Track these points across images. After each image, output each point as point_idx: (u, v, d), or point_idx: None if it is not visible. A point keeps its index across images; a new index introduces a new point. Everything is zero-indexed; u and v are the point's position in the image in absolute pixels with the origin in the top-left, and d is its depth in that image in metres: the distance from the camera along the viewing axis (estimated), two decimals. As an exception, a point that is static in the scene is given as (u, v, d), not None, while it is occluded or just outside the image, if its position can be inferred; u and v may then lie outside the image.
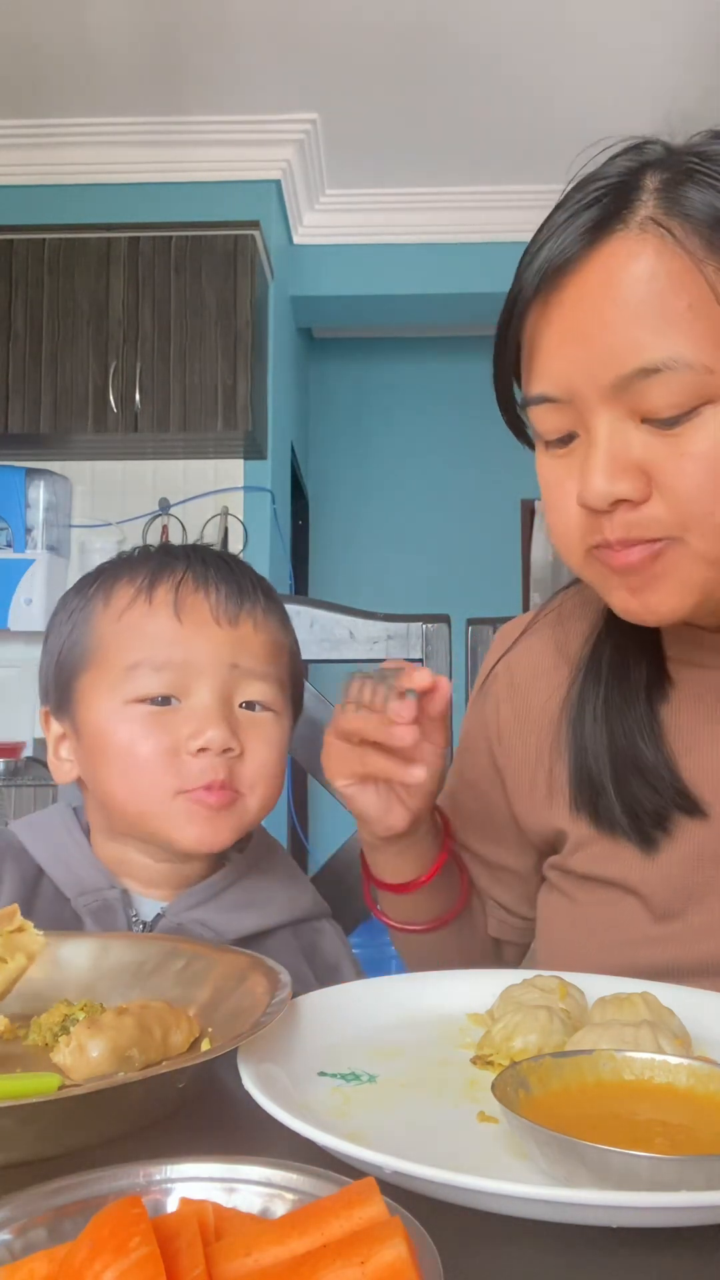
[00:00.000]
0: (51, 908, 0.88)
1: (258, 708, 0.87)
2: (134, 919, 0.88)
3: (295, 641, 0.96)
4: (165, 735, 0.83)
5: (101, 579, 0.90)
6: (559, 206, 0.74)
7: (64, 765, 0.91)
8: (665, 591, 0.74)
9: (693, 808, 0.82)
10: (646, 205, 0.71)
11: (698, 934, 0.82)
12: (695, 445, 0.70)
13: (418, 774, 0.77)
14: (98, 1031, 0.58)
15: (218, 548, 0.96)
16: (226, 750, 0.84)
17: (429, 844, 0.88)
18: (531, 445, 0.81)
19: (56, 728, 0.91)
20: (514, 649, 0.97)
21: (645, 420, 0.70)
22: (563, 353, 0.72)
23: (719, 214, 0.69)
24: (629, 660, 0.87)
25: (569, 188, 0.74)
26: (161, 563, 0.88)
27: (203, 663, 0.85)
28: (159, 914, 0.87)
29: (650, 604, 0.75)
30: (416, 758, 0.77)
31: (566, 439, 0.75)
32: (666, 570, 0.73)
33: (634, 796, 0.83)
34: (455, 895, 0.94)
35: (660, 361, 0.68)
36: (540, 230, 0.74)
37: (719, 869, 0.82)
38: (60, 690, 0.90)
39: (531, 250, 0.74)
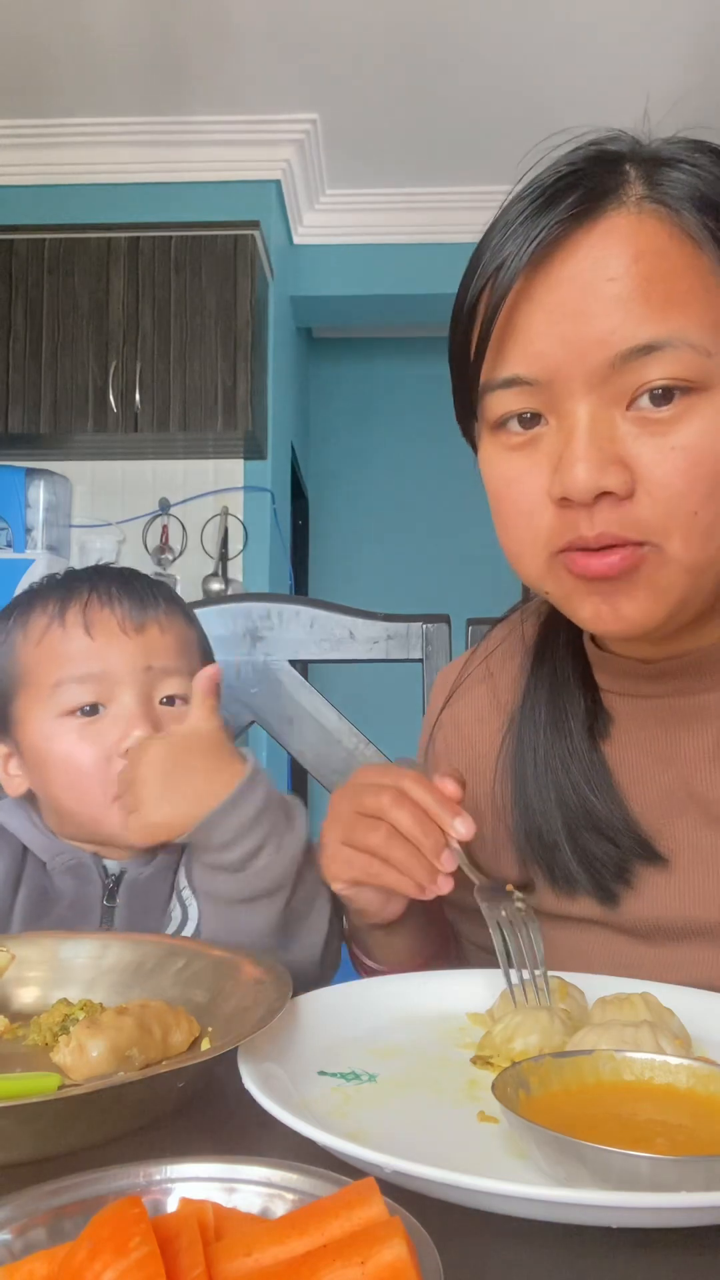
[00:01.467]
0: (36, 878, 0.95)
1: (177, 701, 0.94)
2: (105, 875, 0.94)
3: (202, 633, 1.02)
4: (97, 744, 0.90)
5: (17, 611, 0.97)
6: (528, 189, 0.69)
7: (14, 780, 0.98)
8: (641, 599, 0.70)
9: (652, 855, 0.79)
10: (636, 187, 0.68)
11: (671, 966, 0.79)
12: (682, 438, 0.66)
13: (444, 887, 0.73)
14: (98, 1031, 0.58)
15: (117, 565, 1.04)
16: None
17: (420, 923, 0.87)
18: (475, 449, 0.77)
19: (2, 748, 0.97)
20: (456, 698, 0.95)
21: (631, 408, 0.67)
22: (550, 331, 0.67)
23: (708, 199, 0.68)
24: (564, 700, 0.83)
25: (530, 173, 0.70)
26: (68, 588, 0.96)
27: (119, 670, 0.91)
28: (123, 870, 0.93)
29: (624, 611, 0.70)
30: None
31: (530, 422, 0.70)
32: (644, 578, 0.69)
33: (590, 853, 0.80)
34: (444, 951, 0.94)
35: (663, 338, 0.65)
36: (505, 214, 0.70)
37: (683, 906, 0.79)
38: None
39: (498, 234, 0.69)
